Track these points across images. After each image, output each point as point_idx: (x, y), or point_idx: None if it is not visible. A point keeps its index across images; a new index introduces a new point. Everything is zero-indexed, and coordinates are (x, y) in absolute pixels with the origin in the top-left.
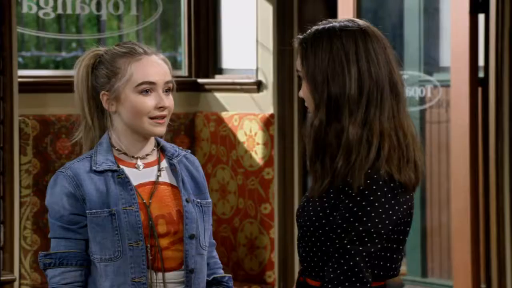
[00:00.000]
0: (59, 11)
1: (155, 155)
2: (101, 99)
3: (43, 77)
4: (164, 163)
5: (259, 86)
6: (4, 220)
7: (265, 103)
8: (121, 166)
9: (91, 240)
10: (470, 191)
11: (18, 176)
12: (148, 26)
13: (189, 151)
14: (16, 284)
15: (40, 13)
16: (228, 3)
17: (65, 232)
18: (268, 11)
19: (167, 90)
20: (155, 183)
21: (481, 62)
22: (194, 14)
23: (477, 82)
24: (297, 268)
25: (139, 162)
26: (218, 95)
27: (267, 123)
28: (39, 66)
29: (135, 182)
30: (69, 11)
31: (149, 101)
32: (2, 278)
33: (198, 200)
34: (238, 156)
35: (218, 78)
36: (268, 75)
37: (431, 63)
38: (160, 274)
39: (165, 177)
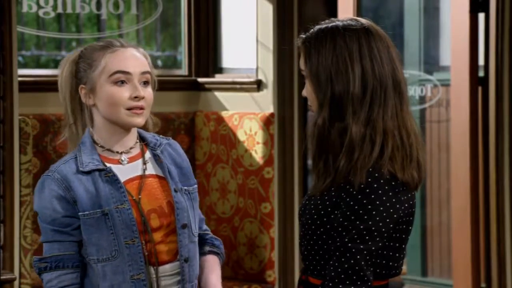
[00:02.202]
0: (59, 10)
1: (138, 148)
2: (80, 94)
3: (43, 76)
4: (148, 155)
5: (259, 85)
6: (4, 219)
7: (265, 102)
8: (108, 164)
9: (86, 242)
10: (470, 190)
11: (18, 175)
12: (148, 25)
13: (170, 138)
14: (16, 283)
15: (40, 12)
16: (228, 2)
17: (59, 235)
18: (268, 10)
19: (145, 83)
20: (142, 177)
21: (481, 61)
22: (194, 13)
23: (477, 81)
24: (297, 267)
25: (123, 157)
26: (218, 94)
27: (267, 122)
28: (39, 65)
29: (122, 178)
30: (69, 10)
31: (124, 92)
32: (2, 277)
33: (185, 187)
34: (238, 155)
35: (218, 77)
36: (268, 74)
37: (431, 62)
38: (156, 269)
39: (150, 169)
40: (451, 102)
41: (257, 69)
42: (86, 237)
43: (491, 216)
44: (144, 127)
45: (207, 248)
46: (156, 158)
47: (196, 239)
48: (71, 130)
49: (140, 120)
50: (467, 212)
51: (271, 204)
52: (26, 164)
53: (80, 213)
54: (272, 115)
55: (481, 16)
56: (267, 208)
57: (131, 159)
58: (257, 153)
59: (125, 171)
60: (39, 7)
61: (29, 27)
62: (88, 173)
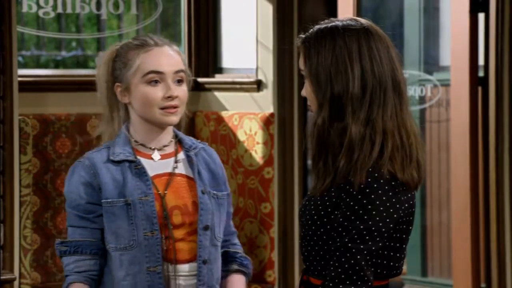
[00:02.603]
0: (59, 10)
1: (172, 146)
2: (115, 91)
3: (43, 76)
4: (181, 155)
5: (259, 85)
6: (4, 220)
7: (265, 102)
8: (138, 157)
9: (106, 229)
10: (470, 190)
11: (18, 175)
12: (148, 25)
13: (206, 143)
14: (16, 283)
15: (40, 12)
16: (228, 2)
17: (81, 221)
18: (268, 10)
19: (179, 81)
20: (171, 175)
21: (481, 61)
22: (194, 13)
23: (477, 81)
24: (297, 267)
25: (156, 153)
26: (218, 94)
27: (267, 122)
28: (39, 65)
29: (151, 173)
30: (69, 10)
31: (157, 92)
32: (2, 277)
33: (214, 192)
34: (238, 155)
35: (218, 77)
36: (268, 74)
37: (431, 62)
38: (174, 266)
39: (181, 168)
40: (451, 102)
41: (257, 69)
42: (106, 224)
43: (491, 216)
44: (178, 124)
45: (235, 267)
46: (189, 160)
47: (219, 243)
48: (106, 123)
49: (174, 119)
50: (467, 212)
51: (271, 204)
52: (26, 164)
53: (103, 200)
54: (272, 115)
55: (481, 16)
56: (267, 208)
57: (164, 157)
58: (257, 153)
59: (155, 167)
60: (39, 7)
61: (29, 27)
62: (118, 162)
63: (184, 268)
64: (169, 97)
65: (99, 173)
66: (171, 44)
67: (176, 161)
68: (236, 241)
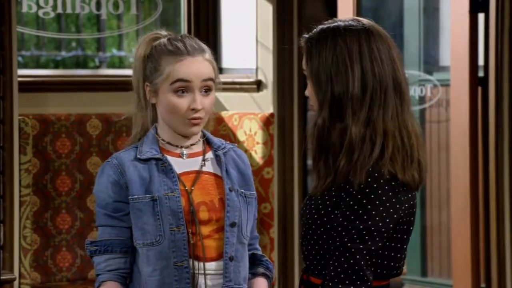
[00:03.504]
0: (59, 10)
1: (200, 145)
2: (145, 89)
3: (43, 77)
4: (209, 154)
5: (259, 85)
6: (4, 220)
7: (265, 102)
8: (165, 155)
9: (133, 226)
10: (470, 190)
11: (18, 176)
12: (148, 26)
13: (236, 144)
14: (16, 283)
15: (40, 13)
16: (228, 2)
17: (110, 220)
18: (268, 10)
19: (206, 91)
20: (199, 172)
21: (481, 61)
22: (194, 13)
23: (477, 82)
24: (297, 267)
25: (184, 151)
26: (217, 94)
27: (267, 123)
28: (39, 66)
29: (178, 170)
30: (69, 10)
31: (183, 102)
32: (2, 277)
33: (242, 190)
34: None
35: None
36: (268, 75)
37: (431, 63)
38: (201, 264)
39: (209, 167)
40: (451, 102)
41: (257, 69)
42: (133, 221)
43: (490, 216)
44: (205, 125)
45: (261, 270)
46: (217, 159)
47: (246, 242)
48: (139, 111)
49: (196, 130)
50: (467, 212)
51: (271, 204)
52: (25, 164)
53: (130, 197)
54: (272, 115)
55: (481, 16)
56: (267, 208)
57: (191, 155)
58: (257, 153)
59: (182, 164)
60: (39, 7)
61: (29, 27)
62: (145, 161)
63: (210, 266)
64: (193, 109)
65: (126, 171)
66: (205, 52)
67: (204, 160)
68: (258, 246)
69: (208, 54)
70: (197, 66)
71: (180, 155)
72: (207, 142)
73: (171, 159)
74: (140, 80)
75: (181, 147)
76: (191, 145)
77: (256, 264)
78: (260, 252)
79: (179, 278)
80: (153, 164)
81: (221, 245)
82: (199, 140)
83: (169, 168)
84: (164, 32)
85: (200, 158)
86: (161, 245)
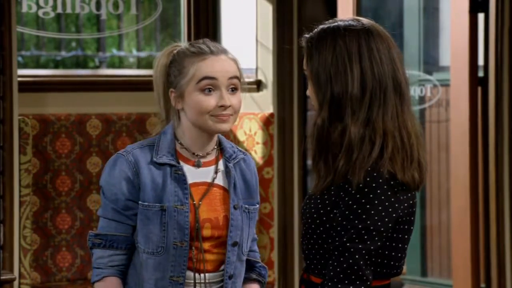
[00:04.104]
0: (59, 10)
1: (214, 154)
2: (170, 96)
3: (43, 77)
4: (221, 165)
5: (258, 85)
6: (3, 220)
7: (264, 102)
8: (181, 163)
9: (138, 230)
10: (469, 190)
11: (17, 176)
12: (148, 25)
13: (247, 153)
14: (15, 283)
15: (40, 12)
16: (228, 2)
17: (118, 216)
18: (268, 10)
19: (233, 89)
20: (210, 185)
21: (480, 61)
22: (194, 13)
23: (476, 82)
24: (296, 267)
25: (200, 161)
26: None
27: (266, 123)
28: (38, 66)
29: (190, 180)
30: (68, 10)
31: (211, 100)
32: (2, 277)
33: (246, 206)
34: None
35: None
36: (268, 75)
37: (430, 63)
38: (199, 275)
39: (219, 179)
40: (450, 102)
41: (256, 69)
42: (139, 226)
43: (490, 216)
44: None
45: (254, 276)
46: (227, 171)
47: (245, 258)
48: (162, 125)
49: (226, 126)
50: (467, 212)
51: (270, 204)
52: (25, 164)
53: (140, 202)
54: (271, 115)
55: (481, 16)
56: (267, 208)
57: (205, 164)
58: (257, 153)
59: (195, 174)
60: (39, 7)
61: (29, 27)
62: (160, 165)
63: (207, 277)
64: (221, 106)
65: (141, 173)
66: (227, 52)
67: (216, 171)
68: (256, 247)
69: (231, 54)
70: (221, 64)
71: (195, 164)
72: (221, 150)
73: (185, 167)
74: (162, 94)
75: (198, 155)
76: (207, 154)
77: (248, 270)
78: (256, 255)
79: None
80: (167, 170)
81: (218, 259)
82: (214, 147)
83: (183, 178)
84: (182, 43)
85: (213, 168)
86: (161, 257)
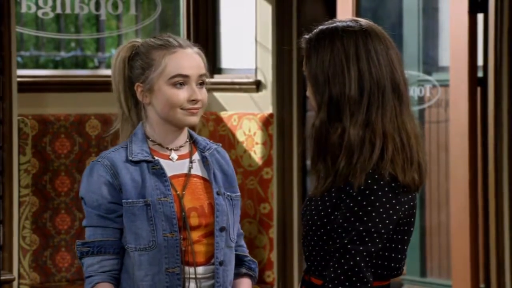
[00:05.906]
0: (58, 10)
1: (187, 147)
2: (136, 91)
3: (42, 77)
4: (196, 156)
5: (258, 85)
6: (3, 220)
7: (264, 102)
8: (156, 157)
9: (126, 230)
10: (469, 191)
11: (17, 176)
12: (147, 26)
13: (220, 144)
14: (15, 283)
15: (39, 13)
16: (227, 3)
17: (103, 221)
18: (267, 10)
19: (201, 84)
20: (187, 175)
21: (480, 61)
22: (193, 13)
23: (476, 82)
24: (296, 267)
25: (173, 154)
26: (217, 94)
27: (266, 123)
28: (38, 66)
29: (169, 173)
30: (68, 10)
31: (182, 94)
32: (1, 277)
33: (228, 193)
34: (237, 155)
35: (217, 78)
36: (267, 75)
37: (430, 63)
38: (191, 269)
39: (196, 169)
40: (450, 103)
41: (256, 69)
42: (126, 224)
43: (490, 216)
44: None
45: (244, 270)
46: (204, 161)
47: (233, 244)
48: (123, 121)
49: (195, 119)
50: (466, 212)
51: (270, 205)
52: (25, 164)
53: (123, 201)
54: (271, 115)
55: (480, 16)
56: (266, 208)
57: (180, 157)
58: (256, 153)
59: (172, 167)
60: (38, 7)
61: (28, 27)
62: (136, 163)
63: (199, 270)
64: (193, 100)
65: (120, 173)
66: (193, 46)
67: (191, 162)
68: (243, 242)
69: (196, 48)
70: (192, 59)
71: (170, 158)
72: (193, 143)
73: (162, 161)
74: (122, 89)
75: (171, 149)
76: (180, 147)
77: (238, 265)
78: (244, 250)
79: (170, 284)
80: (144, 166)
81: (209, 250)
82: (186, 141)
83: (161, 172)
84: (139, 40)
85: (188, 160)
86: (154, 250)
